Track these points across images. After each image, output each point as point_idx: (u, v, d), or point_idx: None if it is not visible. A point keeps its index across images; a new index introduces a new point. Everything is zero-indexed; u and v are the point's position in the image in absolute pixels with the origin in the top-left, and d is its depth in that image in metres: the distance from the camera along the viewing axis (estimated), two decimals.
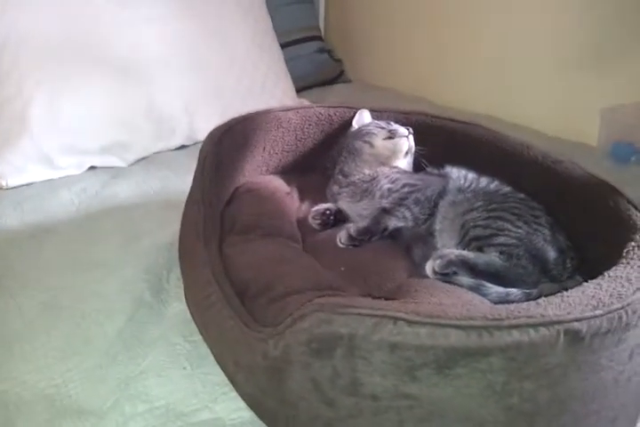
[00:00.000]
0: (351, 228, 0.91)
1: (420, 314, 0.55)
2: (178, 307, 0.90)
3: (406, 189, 0.97)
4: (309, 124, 1.14)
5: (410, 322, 0.55)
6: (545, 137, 1.62)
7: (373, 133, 1.05)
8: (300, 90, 1.85)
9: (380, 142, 1.04)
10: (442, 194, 0.96)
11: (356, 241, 0.91)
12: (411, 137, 1.05)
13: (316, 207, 1.00)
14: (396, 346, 0.55)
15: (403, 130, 1.05)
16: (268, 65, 1.71)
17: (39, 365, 0.82)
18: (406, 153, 1.05)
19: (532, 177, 0.99)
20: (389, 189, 0.98)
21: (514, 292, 0.81)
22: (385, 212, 0.94)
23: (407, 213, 0.94)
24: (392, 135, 1.04)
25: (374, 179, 1.01)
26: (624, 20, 1.53)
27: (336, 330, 0.57)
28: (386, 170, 1.03)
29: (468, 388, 0.57)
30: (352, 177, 1.05)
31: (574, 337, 0.58)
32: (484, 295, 0.80)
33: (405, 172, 1.03)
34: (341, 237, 0.90)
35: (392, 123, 1.08)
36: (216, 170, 0.96)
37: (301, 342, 0.59)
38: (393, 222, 0.93)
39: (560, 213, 0.92)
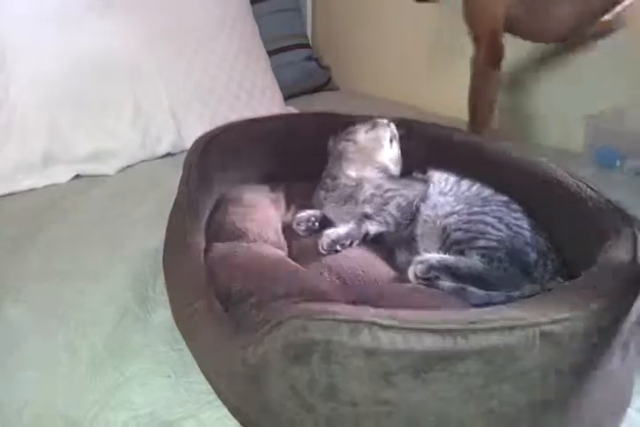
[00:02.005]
0: (332, 233, 0.91)
1: (395, 319, 0.56)
2: (164, 315, 0.90)
3: (389, 194, 0.97)
4: (295, 132, 1.14)
5: (385, 327, 0.55)
6: (530, 143, 1.63)
7: (355, 131, 1.07)
8: (287, 97, 1.86)
9: (362, 136, 1.05)
10: (423, 198, 0.96)
11: (336, 246, 0.91)
12: (392, 125, 1.06)
13: (300, 214, 1.00)
14: (372, 352, 0.55)
15: (383, 120, 1.06)
16: (255, 73, 1.72)
17: (25, 374, 0.82)
18: (391, 141, 1.06)
19: (511, 179, 1.00)
20: (372, 195, 0.99)
21: (496, 295, 0.81)
22: (366, 217, 0.94)
23: (389, 218, 0.94)
24: (373, 126, 1.05)
25: (358, 184, 1.02)
26: None
27: (312, 336, 0.57)
28: (372, 175, 1.03)
29: (445, 392, 0.57)
30: (338, 180, 1.05)
31: (551, 339, 0.58)
32: (467, 299, 0.81)
33: (390, 177, 1.03)
34: (322, 243, 0.90)
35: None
36: (201, 178, 0.97)
37: (278, 349, 0.59)
38: (374, 227, 0.94)
39: (540, 214, 0.93)
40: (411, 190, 0.98)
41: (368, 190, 1.00)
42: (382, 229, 0.94)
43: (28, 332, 0.90)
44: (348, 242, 0.91)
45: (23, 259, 1.08)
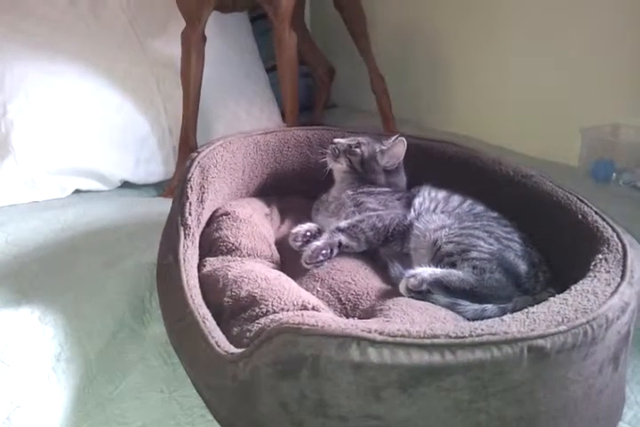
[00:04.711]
0: (310, 246, 0.92)
1: (383, 333, 0.56)
2: (159, 328, 0.90)
3: (367, 213, 0.98)
4: (288, 147, 1.15)
5: (372, 342, 0.55)
6: (526, 157, 1.65)
7: (346, 147, 1.08)
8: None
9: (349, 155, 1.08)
10: (402, 220, 0.97)
11: (319, 257, 0.91)
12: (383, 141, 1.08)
13: (296, 229, 1.00)
14: (360, 366, 0.55)
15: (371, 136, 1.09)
16: (254, 90, 1.74)
17: (20, 385, 0.82)
18: (382, 154, 1.07)
19: (504, 192, 1.01)
20: (353, 212, 1.00)
21: (489, 308, 0.81)
22: (339, 230, 0.95)
23: (361, 236, 0.95)
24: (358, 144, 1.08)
25: (341, 201, 1.03)
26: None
27: (301, 351, 0.57)
28: (352, 191, 1.05)
29: (433, 407, 0.57)
30: (329, 194, 1.08)
31: (539, 354, 0.58)
32: (460, 313, 0.81)
33: (370, 193, 1.04)
34: (303, 257, 0.91)
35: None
36: (196, 192, 0.97)
37: (268, 364, 0.59)
38: (345, 240, 0.94)
39: (531, 226, 0.94)
40: (389, 212, 0.98)
41: (350, 208, 1.01)
42: (352, 244, 0.95)
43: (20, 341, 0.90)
44: (329, 251, 0.92)
45: (21, 270, 1.09)
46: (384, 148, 1.08)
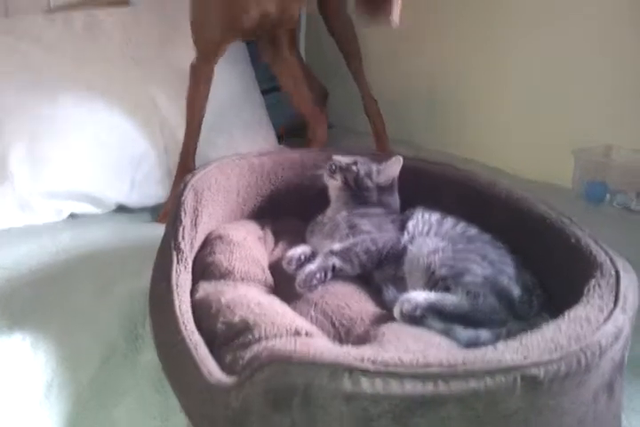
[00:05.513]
0: (304, 270, 0.92)
1: (375, 363, 0.56)
2: (152, 355, 0.88)
3: (361, 237, 0.98)
4: (282, 169, 1.16)
5: (365, 371, 0.55)
6: (520, 178, 1.66)
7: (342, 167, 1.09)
8: (281, 136, 1.88)
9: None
10: (395, 244, 0.97)
11: (313, 281, 0.91)
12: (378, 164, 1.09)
13: (290, 252, 0.99)
14: (352, 396, 0.55)
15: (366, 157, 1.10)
16: (249, 113, 1.75)
17: (12, 411, 0.81)
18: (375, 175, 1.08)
19: (498, 214, 1.02)
20: (347, 235, 1.00)
21: (483, 333, 0.81)
22: (332, 253, 0.95)
23: (354, 259, 0.95)
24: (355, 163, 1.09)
25: (336, 223, 1.03)
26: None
27: (292, 380, 0.57)
28: (347, 213, 1.05)
29: None
30: (324, 215, 1.08)
31: (532, 382, 0.58)
32: (455, 338, 0.81)
33: (364, 215, 1.04)
34: (297, 281, 0.91)
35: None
36: (189, 216, 0.97)
37: (259, 393, 0.59)
38: (339, 263, 0.94)
39: (525, 249, 0.94)
40: (383, 235, 0.98)
41: (344, 230, 1.01)
42: (346, 267, 0.94)
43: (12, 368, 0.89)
44: (323, 274, 0.91)
45: (12, 294, 1.08)
46: (380, 167, 1.09)
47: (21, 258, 1.21)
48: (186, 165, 1.49)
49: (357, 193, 1.08)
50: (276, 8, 1.40)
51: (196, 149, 1.51)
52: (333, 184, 1.10)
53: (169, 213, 1.03)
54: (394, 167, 1.08)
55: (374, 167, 1.09)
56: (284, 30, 1.51)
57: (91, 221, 1.43)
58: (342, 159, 1.10)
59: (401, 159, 1.08)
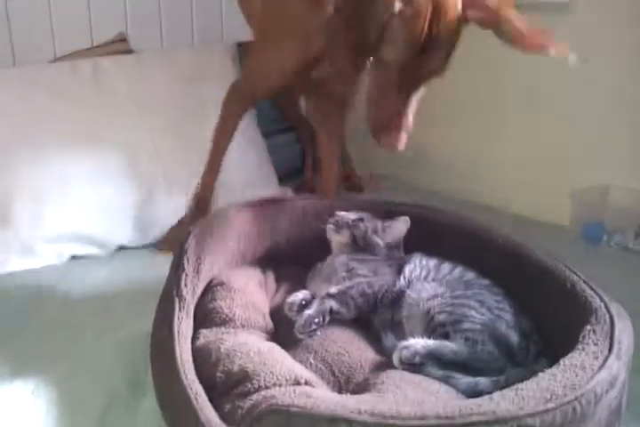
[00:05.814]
0: (302, 315, 0.93)
1: (373, 415, 0.56)
2: (153, 402, 0.88)
3: (357, 280, 1.00)
4: (283, 216, 1.18)
5: (363, 424, 0.56)
6: (517, 218, 1.67)
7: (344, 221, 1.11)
8: (282, 177, 1.90)
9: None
10: (399, 284, 0.99)
11: (312, 326, 0.91)
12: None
13: (290, 299, 1.00)
14: None
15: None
16: (251, 158, 1.77)
17: None
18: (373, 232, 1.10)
19: (495, 260, 1.03)
20: (344, 278, 1.02)
21: (482, 381, 0.81)
22: (329, 296, 0.96)
23: (350, 302, 0.96)
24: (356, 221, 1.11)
25: (333, 267, 1.06)
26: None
27: None
28: (345, 258, 1.07)
29: None
30: (324, 260, 1.10)
31: None
32: (454, 386, 0.81)
33: (362, 260, 1.06)
34: (296, 327, 0.91)
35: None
36: (192, 264, 0.99)
37: None
38: (336, 305, 0.95)
39: (521, 294, 0.96)
40: (379, 279, 1.00)
41: (341, 273, 1.03)
42: (342, 310, 0.95)
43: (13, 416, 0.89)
44: (321, 318, 0.92)
45: (14, 339, 1.09)
46: (385, 224, 1.11)
47: (24, 303, 1.22)
48: (202, 200, 1.49)
49: (364, 248, 1.10)
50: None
51: (213, 187, 1.52)
52: (338, 239, 1.12)
53: (172, 259, 1.03)
54: (401, 228, 1.11)
55: (379, 225, 1.11)
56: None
57: (92, 263, 1.44)
58: (347, 215, 1.13)
59: (408, 220, 1.10)
